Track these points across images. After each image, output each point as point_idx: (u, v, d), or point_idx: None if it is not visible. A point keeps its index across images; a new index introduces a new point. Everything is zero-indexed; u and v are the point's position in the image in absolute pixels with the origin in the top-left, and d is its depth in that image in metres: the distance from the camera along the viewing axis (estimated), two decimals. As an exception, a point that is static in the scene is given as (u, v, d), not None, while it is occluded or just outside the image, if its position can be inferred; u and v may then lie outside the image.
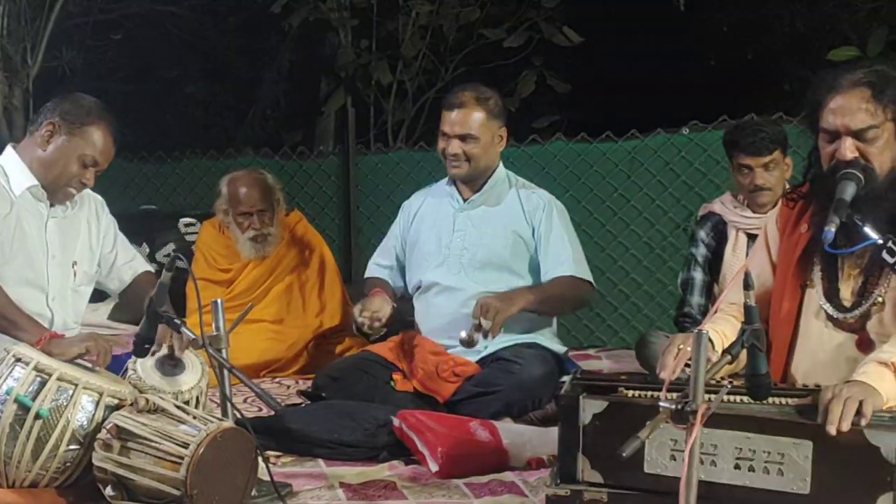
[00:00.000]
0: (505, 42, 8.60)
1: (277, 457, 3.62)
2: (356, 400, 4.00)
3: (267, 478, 3.01)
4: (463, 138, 4.24)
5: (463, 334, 3.94)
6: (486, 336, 3.91)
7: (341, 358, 4.84)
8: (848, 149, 2.81)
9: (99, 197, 4.14)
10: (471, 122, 4.24)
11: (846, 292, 2.93)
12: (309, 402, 4.22)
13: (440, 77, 8.87)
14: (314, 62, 9.99)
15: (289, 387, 4.98)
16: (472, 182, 4.37)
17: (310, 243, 5.57)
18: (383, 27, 8.81)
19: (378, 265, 4.66)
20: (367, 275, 4.70)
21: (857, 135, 2.81)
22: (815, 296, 2.98)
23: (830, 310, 2.94)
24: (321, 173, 7.40)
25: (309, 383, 4.61)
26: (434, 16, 8.59)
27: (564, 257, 4.25)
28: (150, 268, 4.31)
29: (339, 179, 7.33)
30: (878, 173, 2.81)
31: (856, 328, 2.92)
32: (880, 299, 2.87)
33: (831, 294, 2.95)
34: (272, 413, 3.80)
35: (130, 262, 4.19)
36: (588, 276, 4.30)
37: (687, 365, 2.36)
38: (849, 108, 2.82)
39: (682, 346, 2.78)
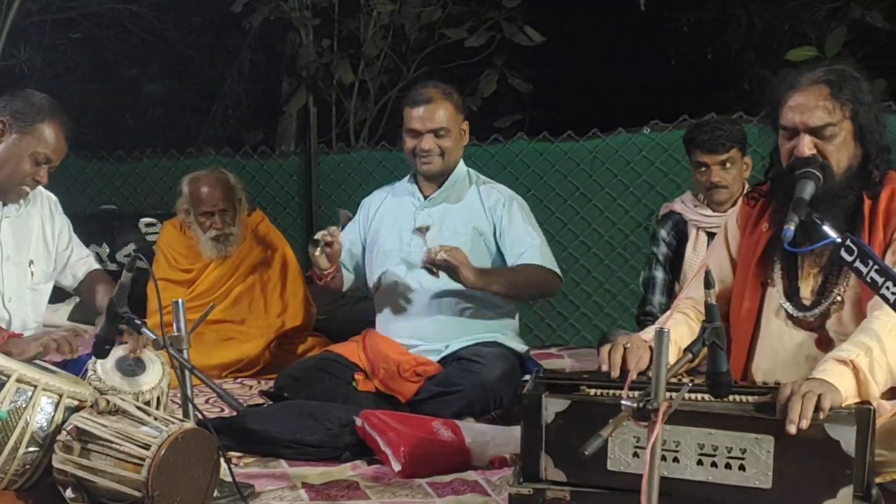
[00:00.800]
0: (466, 42, 8.58)
1: (239, 457, 3.60)
2: (318, 400, 3.97)
3: (229, 478, 2.99)
4: (436, 133, 4.25)
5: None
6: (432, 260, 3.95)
7: (303, 358, 4.81)
8: (806, 145, 2.84)
9: (53, 195, 4.11)
10: (441, 116, 4.25)
11: (806, 291, 2.96)
12: (271, 403, 4.20)
13: (402, 76, 8.85)
14: (276, 61, 9.96)
15: (251, 387, 4.96)
16: (435, 179, 4.37)
17: (272, 243, 5.55)
18: (345, 26, 8.79)
19: None
20: None
21: (815, 132, 2.85)
22: (775, 294, 3.01)
23: (790, 308, 2.97)
24: (283, 173, 7.38)
25: (271, 383, 4.58)
26: (396, 15, 8.58)
27: (528, 246, 4.26)
28: (100, 267, 4.32)
29: (300, 179, 7.32)
30: (835, 171, 2.85)
31: (815, 327, 2.95)
32: (839, 298, 2.90)
33: (791, 293, 2.98)
34: (234, 414, 3.78)
35: (84, 259, 4.19)
36: (554, 267, 4.29)
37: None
38: (807, 106, 2.85)
39: (627, 346, 2.82)
